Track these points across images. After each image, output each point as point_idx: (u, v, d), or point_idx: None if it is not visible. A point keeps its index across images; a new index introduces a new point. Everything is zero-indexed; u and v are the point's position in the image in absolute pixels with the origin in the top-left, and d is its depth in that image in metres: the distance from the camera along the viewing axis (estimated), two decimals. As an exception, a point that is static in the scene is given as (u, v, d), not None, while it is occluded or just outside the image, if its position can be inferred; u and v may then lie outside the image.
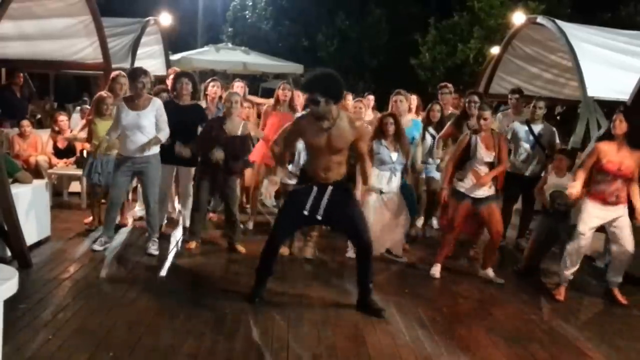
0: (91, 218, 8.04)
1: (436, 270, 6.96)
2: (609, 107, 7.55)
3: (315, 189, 5.48)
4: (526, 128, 7.95)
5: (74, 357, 4.43)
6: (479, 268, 7.12)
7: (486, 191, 6.77)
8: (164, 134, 6.97)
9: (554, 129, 8.23)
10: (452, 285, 6.78)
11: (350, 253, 7.21)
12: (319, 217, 5.54)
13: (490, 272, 6.98)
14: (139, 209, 8.54)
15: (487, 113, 6.70)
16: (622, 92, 7.17)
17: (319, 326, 5.31)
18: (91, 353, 4.51)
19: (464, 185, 6.79)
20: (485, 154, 6.70)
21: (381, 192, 7.08)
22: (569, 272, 6.54)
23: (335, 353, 4.82)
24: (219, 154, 6.97)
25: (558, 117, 12.33)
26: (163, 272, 6.57)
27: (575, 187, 6.26)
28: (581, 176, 6.36)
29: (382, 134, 7.14)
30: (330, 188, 5.47)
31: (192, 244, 7.39)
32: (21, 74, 11.40)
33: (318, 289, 6.27)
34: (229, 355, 4.66)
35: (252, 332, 5.11)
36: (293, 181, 7.10)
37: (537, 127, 8.04)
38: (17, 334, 4.66)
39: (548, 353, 5.12)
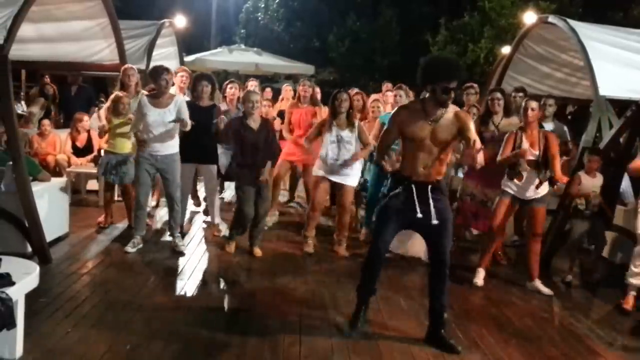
0: (103, 216, 8.10)
1: (480, 277, 6.86)
2: (620, 107, 7.55)
3: (414, 189, 4.96)
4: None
5: (93, 349, 4.52)
6: (527, 281, 6.89)
7: (533, 192, 6.62)
8: (188, 125, 7.06)
9: (565, 127, 8.27)
10: (464, 283, 6.79)
11: (402, 249, 7.35)
12: (419, 216, 4.93)
13: (537, 283, 6.76)
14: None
15: (535, 104, 6.62)
16: (634, 91, 7.17)
17: (330, 322, 5.37)
18: (109, 345, 4.60)
19: (510, 186, 6.71)
20: (528, 151, 6.56)
21: None
22: (636, 282, 6.33)
23: (347, 349, 4.87)
24: (263, 178, 7.07)
25: (569, 117, 12.31)
26: (178, 268, 6.66)
27: None
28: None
29: None
30: (430, 187, 4.96)
31: (232, 247, 7.40)
32: (77, 75, 11.72)
33: (330, 286, 6.33)
34: (241, 349, 4.73)
35: (265, 327, 5.17)
36: (321, 172, 7.31)
37: (548, 126, 8.07)
38: (37, 327, 4.76)
39: (560, 352, 5.14)
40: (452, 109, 4.97)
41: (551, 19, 8.80)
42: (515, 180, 6.60)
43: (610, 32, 8.42)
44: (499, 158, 6.72)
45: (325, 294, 6.07)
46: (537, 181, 6.51)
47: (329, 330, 5.21)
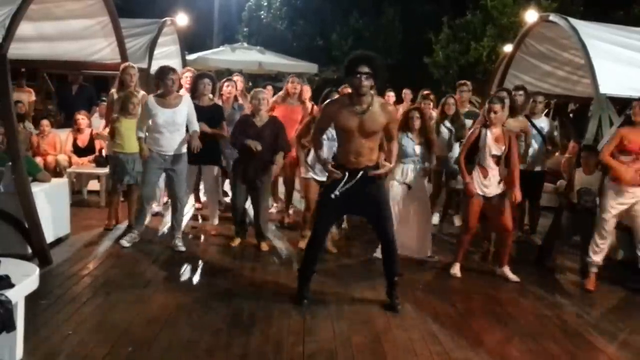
0: (108, 220, 8.05)
1: (456, 269, 6.96)
2: (621, 104, 7.56)
3: (346, 174, 5.42)
4: (529, 124, 8.05)
5: (94, 352, 4.50)
6: (496, 266, 7.08)
7: (495, 189, 6.72)
8: (197, 125, 7.13)
9: (555, 123, 8.32)
10: (466, 281, 6.81)
11: (378, 253, 7.31)
12: (348, 203, 5.52)
13: (506, 269, 6.93)
14: (154, 205, 8.66)
15: (498, 106, 6.64)
16: (634, 89, 7.16)
17: (334, 321, 5.36)
18: (111, 348, 4.59)
19: (476, 186, 6.76)
20: (493, 146, 6.63)
21: (409, 187, 7.16)
22: (598, 258, 6.72)
23: (351, 348, 4.86)
24: (254, 143, 7.04)
25: (571, 114, 12.32)
26: (180, 269, 6.65)
27: (628, 171, 6.48)
28: (610, 158, 6.58)
29: (408, 127, 7.22)
30: (361, 173, 5.42)
31: (236, 241, 7.54)
32: (77, 74, 11.66)
33: (333, 285, 6.32)
34: (245, 350, 4.72)
35: (268, 327, 5.17)
36: (310, 174, 7.31)
37: (541, 122, 8.18)
38: (38, 329, 4.75)
39: (562, 348, 5.14)
40: (378, 100, 5.46)
41: (552, 17, 8.81)
42: (480, 177, 6.71)
43: (611, 30, 8.42)
44: (458, 157, 7.01)
45: (328, 293, 6.05)
46: (499, 177, 6.72)
47: (333, 329, 5.20)
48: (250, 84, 18.86)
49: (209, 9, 28.11)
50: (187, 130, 7.13)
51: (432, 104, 9.81)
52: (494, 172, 6.70)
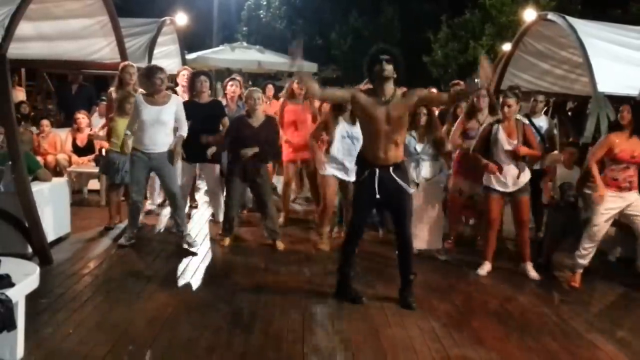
0: (109, 219, 8.05)
1: (485, 269, 6.96)
2: (619, 103, 7.58)
3: (377, 171, 5.55)
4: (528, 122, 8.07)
5: (95, 351, 4.51)
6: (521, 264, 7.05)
7: (514, 184, 6.72)
8: (185, 130, 7.09)
9: (554, 121, 8.33)
10: (466, 278, 6.81)
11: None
12: (386, 199, 5.62)
13: (529, 266, 6.93)
14: (148, 203, 8.66)
15: (512, 100, 6.67)
16: (632, 87, 7.20)
17: (333, 319, 5.38)
18: (111, 347, 4.59)
19: (493, 183, 6.76)
20: (506, 142, 6.64)
21: (417, 184, 7.11)
22: (584, 261, 6.67)
23: (350, 346, 4.87)
24: (246, 152, 7.07)
25: (569, 113, 12.33)
26: (181, 267, 6.65)
27: (600, 189, 6.41)
28: (595, 169, 6.48)
29: (414, 123, 7.13)
30: (391, 169, 5.55)
31: (226, 241, 7.49)
32: (77, 74, 11.65)
33: (333, 283, 6.25)
34: (245, 348, 4.73)
35: (268, 325, 5.17)
36: (330, 171, 7.25)
37: (540, 121, 8.19)
38: (38, 329, 4.76)
39: (560, 346, 5.13)
40: (400, 90, 5.54)
41: (550, 16, 8.84)
42: (497, 173, 6.70)
43: (609, 29, 8.45)
44: (471, 152, 7.01)
45: (328, 292, 6.05)
46: (516, 171, 6.69)
47: (333, 328, 5.22)
48: (250, 82, 18.88)
49: (208, 8, 28.10)
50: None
51: None
52: (508, 167, 6.69)
